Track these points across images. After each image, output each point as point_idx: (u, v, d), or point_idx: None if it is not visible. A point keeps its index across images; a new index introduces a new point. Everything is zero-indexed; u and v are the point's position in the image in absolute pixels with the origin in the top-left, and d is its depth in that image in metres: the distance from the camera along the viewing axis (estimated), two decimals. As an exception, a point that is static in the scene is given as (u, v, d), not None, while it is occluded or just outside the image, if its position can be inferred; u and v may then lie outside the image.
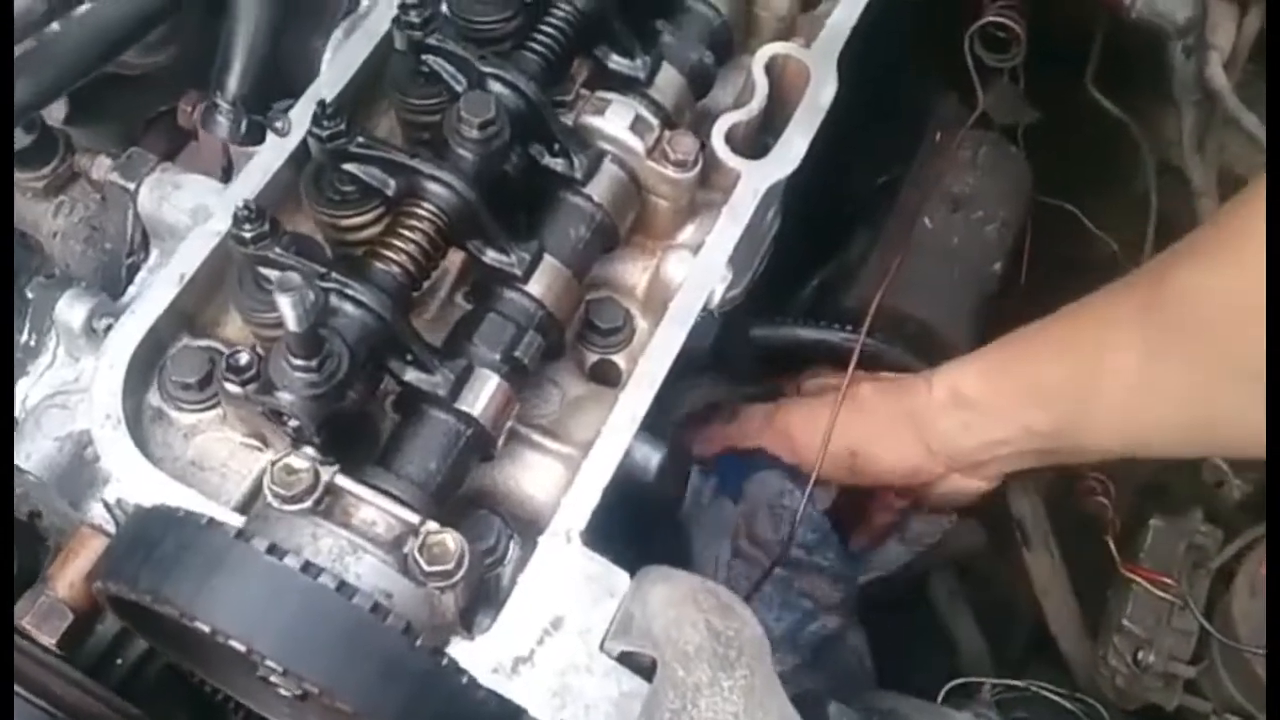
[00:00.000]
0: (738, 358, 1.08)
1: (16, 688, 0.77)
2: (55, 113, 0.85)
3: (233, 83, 0.71)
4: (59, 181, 0.81)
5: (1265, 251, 0.74)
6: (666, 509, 1.06)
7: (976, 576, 1.18)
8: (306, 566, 0.57)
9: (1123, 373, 0.84)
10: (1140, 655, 0.87)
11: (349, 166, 0.70)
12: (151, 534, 0.59)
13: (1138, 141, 1.24)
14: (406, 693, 0.57)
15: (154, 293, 0.72)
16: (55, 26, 0.67)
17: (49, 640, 0.71)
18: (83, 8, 0.67)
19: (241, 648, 0.55)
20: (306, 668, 0.55)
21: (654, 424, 0.78)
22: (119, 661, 0.86)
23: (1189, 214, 1.15)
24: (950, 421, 0.95)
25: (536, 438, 0.75)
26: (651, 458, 0.77)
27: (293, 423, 0.64)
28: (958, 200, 1.20)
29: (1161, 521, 0.91)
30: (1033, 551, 1.03)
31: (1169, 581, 0.87)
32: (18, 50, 0.65)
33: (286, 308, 0.57)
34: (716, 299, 0.80)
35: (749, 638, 0.63)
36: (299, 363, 0.61)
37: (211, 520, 0.59)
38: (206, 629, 0.55)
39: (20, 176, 0.81)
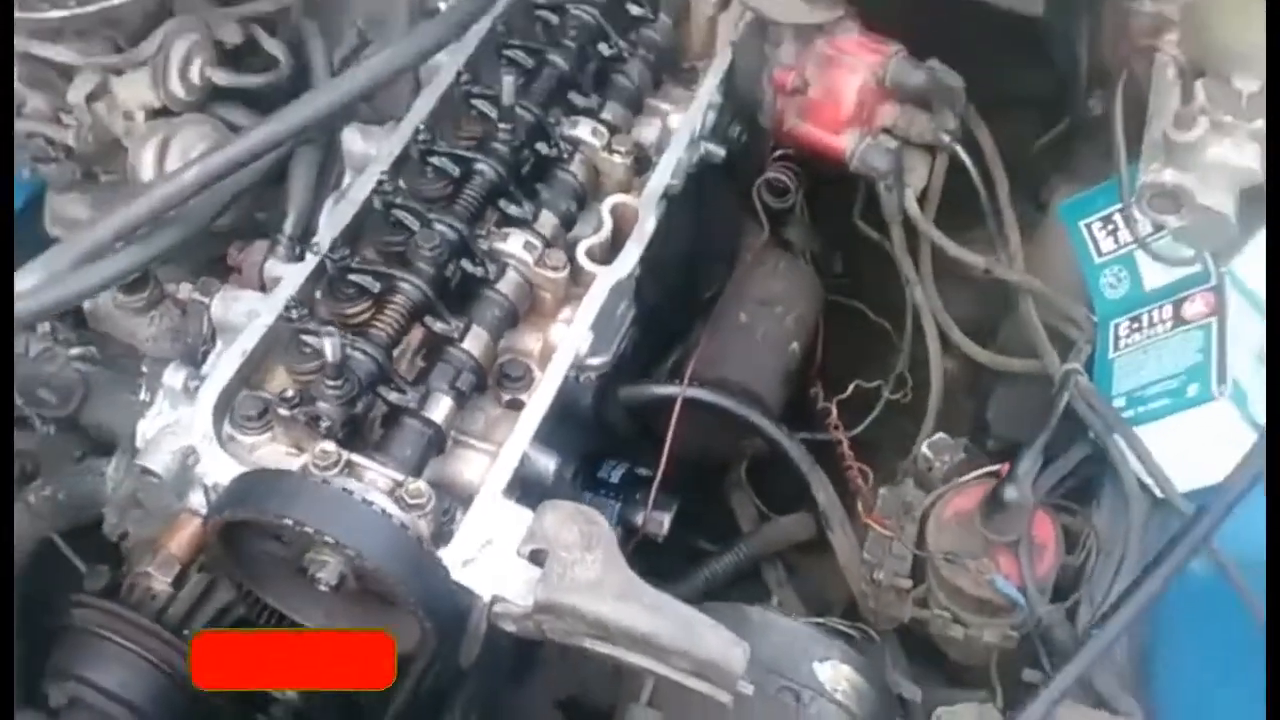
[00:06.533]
0: (613, 414, 1.52)
1: (134, 646, 1.17)
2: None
3: (290, 227, 1.17)
4: (151, 301, 1.25)
5: None
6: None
7: (799, 569, 1.62)
8: (363, 500, 1.00)
9: None
10: (875, 575, 1.31)
11: (352, 277, 1.15)
12: (264, 482, 1.02)
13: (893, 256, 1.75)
14: (415, 570, 1.00)
15: (225, 362, 1.15)
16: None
17: (165, 580, 1.11)
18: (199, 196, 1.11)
19: (331, 540, 0.97)
20: (370, 552, 0.98)
21: (553, 444, 1.21)
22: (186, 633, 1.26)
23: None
24: None
25: (472, 441, 1.19)
26: (548, 465, 1.21)
27: (324, 423, 1.08)
28: (763, 300, 1.67)
29: (887, 490, 1.36)
30: (834, 532, 1.47)
31: (889, 524, 1.32)
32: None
33: (329, 349, 1.02)
34: (583, 353, 1.25)
35: (602, 533, 1.06)
36: (332, 384, 1.06)
37: (305, 471, 1.02)
38: (311, 530, 0.97)
39: (123, 299, 1.25)
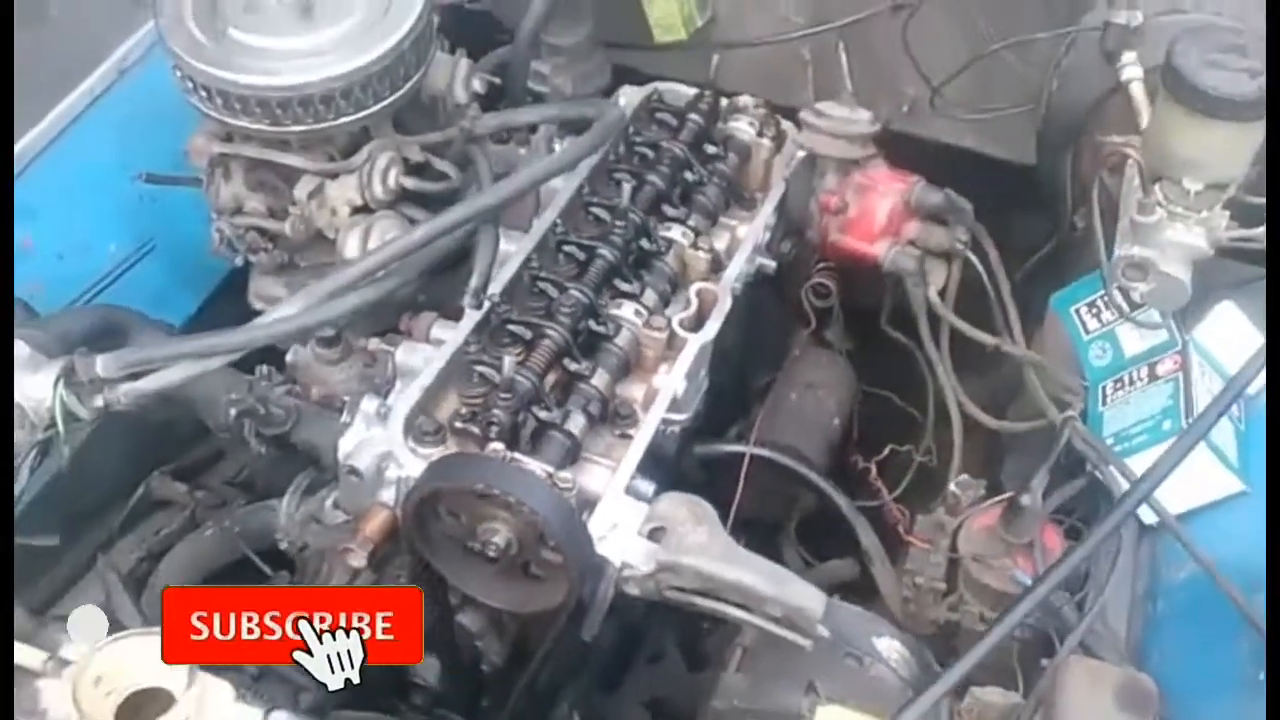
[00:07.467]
0: (689, 465, 1.84)
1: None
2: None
3: (474, 281, 1.52)
4: (344, 355, 1.60)
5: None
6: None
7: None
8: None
9: None
10: (916, 581, 1.60)
11: (509, 326, 1.50)
12: (460, 461, 1.34)
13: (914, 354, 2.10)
14: (572, 532, 1.31)
15: (410, 391, 1.49)
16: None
17: (363, 554, 1.41)
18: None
19: (513, 501, 1.28)
20: (543, 511, 1.28)
21: (650, 474, 1.53)
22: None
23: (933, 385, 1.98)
24: None
25: (594, 458, 1.50)
26: (648, 489, 1.52)
27: (495, 428, 1.40)
28: (809, 385, 2.02)
29: (923, 516, 1.67)
30: (875, 566, 1.76)
31: (928, 540, 1.62)
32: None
33: (507, 365, 1.36)
34: (679, 396, 1.58)
35: (707, 511, 1.38)
36: (505, 395, 1.39)
37: (491, 454, 1.34)
38: (498, 492, 1.29)
39: (321, 352, 1.60)
